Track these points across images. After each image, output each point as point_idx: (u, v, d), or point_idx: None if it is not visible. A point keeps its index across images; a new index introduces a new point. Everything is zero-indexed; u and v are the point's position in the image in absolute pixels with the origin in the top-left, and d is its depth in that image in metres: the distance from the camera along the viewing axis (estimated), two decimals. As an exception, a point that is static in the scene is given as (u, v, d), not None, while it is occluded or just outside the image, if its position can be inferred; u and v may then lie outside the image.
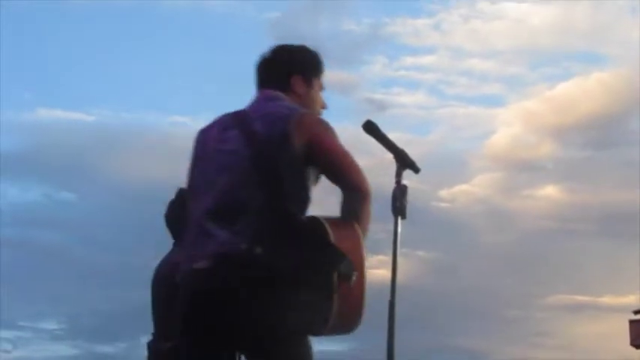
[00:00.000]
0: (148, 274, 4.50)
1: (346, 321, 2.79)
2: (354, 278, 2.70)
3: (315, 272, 2.71)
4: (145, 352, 4.36)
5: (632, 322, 17.85)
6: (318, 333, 2.86)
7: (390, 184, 3.02)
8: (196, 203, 2.93)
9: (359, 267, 2.73)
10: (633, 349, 17.48)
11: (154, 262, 4.51)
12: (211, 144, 2.98)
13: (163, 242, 4.52)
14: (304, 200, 2.89)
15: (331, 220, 2.84)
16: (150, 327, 4.39)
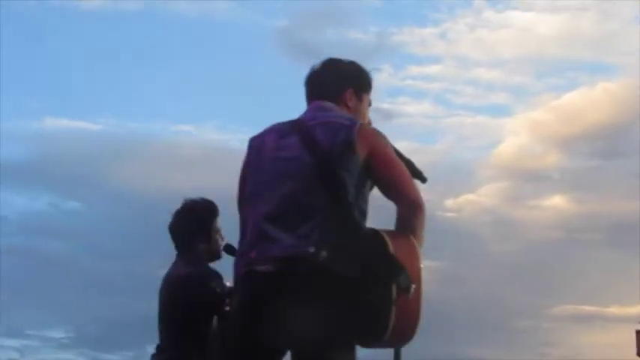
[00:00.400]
0: (154, 283, 4.49)
1: (401, 334, 2.76)
2: (412, 290, 2.69)
3: (376, 282, 2.71)
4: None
5: (638, 332, 17.79)
6: (372, 345, 2.86)
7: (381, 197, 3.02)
8: (254, 209, 2.94)
9: (416, 279, 2.72)
10: (640, 360, 17.40)
11: (161, 271, 4.51)
12: (269, 151, 2.99)
13: (169, 251, 4.52)
14: (363, 210, 2.91)
15: (389, 232, 2.84)
16: (156, 335, 4.40)
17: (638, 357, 17.52)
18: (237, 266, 2.96)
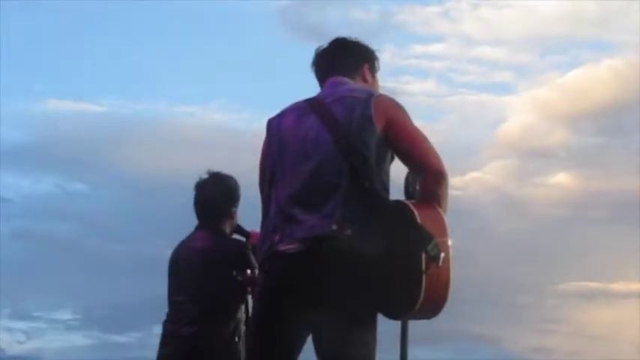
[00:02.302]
0: (161, 264, 4.47)
1: (432, 305, 2.75)
2: (441, 259, 2.68)
3: (404, 253, 2.71)
4: (158, 342, 4.35)
5: (644, 308, 17.82)
6: (403, 317, 2.89)
7: (403, 170, 3.02)
8: (277, 191, 2.94)
9: (445, 248, 2.71)
10: (646, 335, 17.47)
11: (167, 252, 4.47)
12: (289, 131, 2.99)
13: (175, 231, 4.50)
14: (385, 183, 2.90)
15: (415, 203, 2.83)
16: (163, 316, 4.38)
17: (643, 333, 17.57)
18: (261, 248, 2.97)
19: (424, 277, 2.67)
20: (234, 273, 4.08)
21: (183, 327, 4.14)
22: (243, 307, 4.16)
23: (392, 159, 2.94)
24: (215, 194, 4.29)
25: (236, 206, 4.32)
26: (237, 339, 4.12)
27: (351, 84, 3.06)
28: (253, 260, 4.06)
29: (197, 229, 4.33)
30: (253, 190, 3.19)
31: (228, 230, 4.31)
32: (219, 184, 4.30)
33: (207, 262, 4.15)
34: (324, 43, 3.21)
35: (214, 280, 4.12)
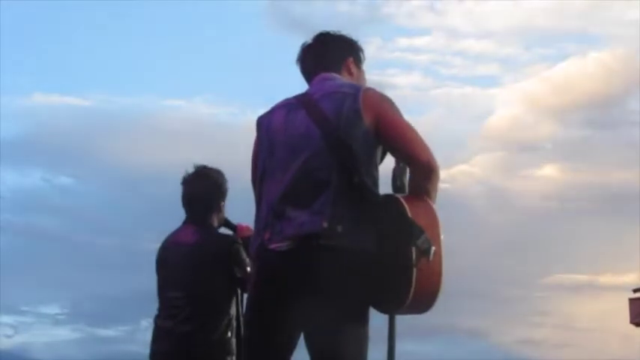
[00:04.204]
0: (148, 258, 4.45)
1: (424, 299, 2.74)
2: (432, 253, 2.67)
3: (394, 247, 2.70)
4: (146, 336, 4.34)
5: (631, 300, 17.89)
6: (395, 311, 2.86)
7: (390, 163, 3.02)
8: (267, 188, 2.94)
9: (436, 242, 2.70)
10: (633, 327, 17.55)
11: (154, 245, 4.45)
12: (279, 128, 2.98)
13: (162, 225, 4.48)
14: (376, 178, 2.89)
15: (406, 197, 2.83)
16: (151, 309, 4.37)
17: (631, 324, 17.65)
18: (252, 245, 2.97)
19: (415, 271, 2.66)
20: (235, 270, 4.07)
21: (179, 324, 4.12)
22: (234, 302, 4.15)
23: (384, 154, 2.94)
24: (202, 189, 4.27)
25: (223, 200, 4.30)
26: (229, 334, 4.11)
27: (339, 79, 3.06)
28: (244, 255, 4.06)
29: (185, 223, 4.31)
30: (241, 183, 3.17)
31: (216, 224, 4.29)
32: (205, 179, 4.28)
33: (200, 258, 4.14)
34: (310, 36, 3.20)
35: (207, 277, 4.11)
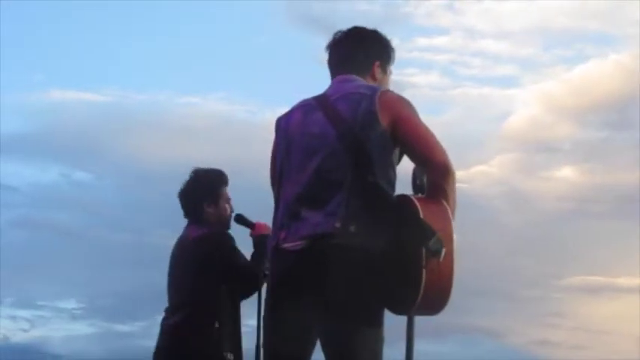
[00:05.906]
0: (165, 254, 4.53)
1: (435, 300, 2.75)
2: (443, 254, 2.66)
3: (405, 248, 2.70)
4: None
5: (649, 302, 17.80)
6: (406, 312, 2.85)
7: (411, 164, 3.01)
8: (286, 187, 2.96)
9: (448, 244, 2.69)
10: (650, 330, 17.45)
11: (170, 242, 4.54)
12: (296, 129, 2.99)
13: (179, 222, 4.54)
14: (392, 179, 2.90)
15: (420, 198, 2.82)
16: (166, 305, 4.42)
17: (648, 327, 17.55)
18: (269, 245, 3.00)
19: (424, 272, 2.66)
20: (221, 263, 4.24)
21: (166, 317, 4.35)
22: (224, 293, 4.27)
23: (402, 155, 2.94)
24: (185, 190, 4.48)
25: (212, 196, 4.42)
26: (217, 325, 4.21)
27: (359, 81, 3.05)
28: (232, 249, 4.28)
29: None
30: (256, 181, 3.17)
31: (213, 219, 4.40)
32: (191, 180, 4.49)
33: (187, 252, 4.35)
34: (332, 34, 3.17)
35: (191, 270, 4.28)
